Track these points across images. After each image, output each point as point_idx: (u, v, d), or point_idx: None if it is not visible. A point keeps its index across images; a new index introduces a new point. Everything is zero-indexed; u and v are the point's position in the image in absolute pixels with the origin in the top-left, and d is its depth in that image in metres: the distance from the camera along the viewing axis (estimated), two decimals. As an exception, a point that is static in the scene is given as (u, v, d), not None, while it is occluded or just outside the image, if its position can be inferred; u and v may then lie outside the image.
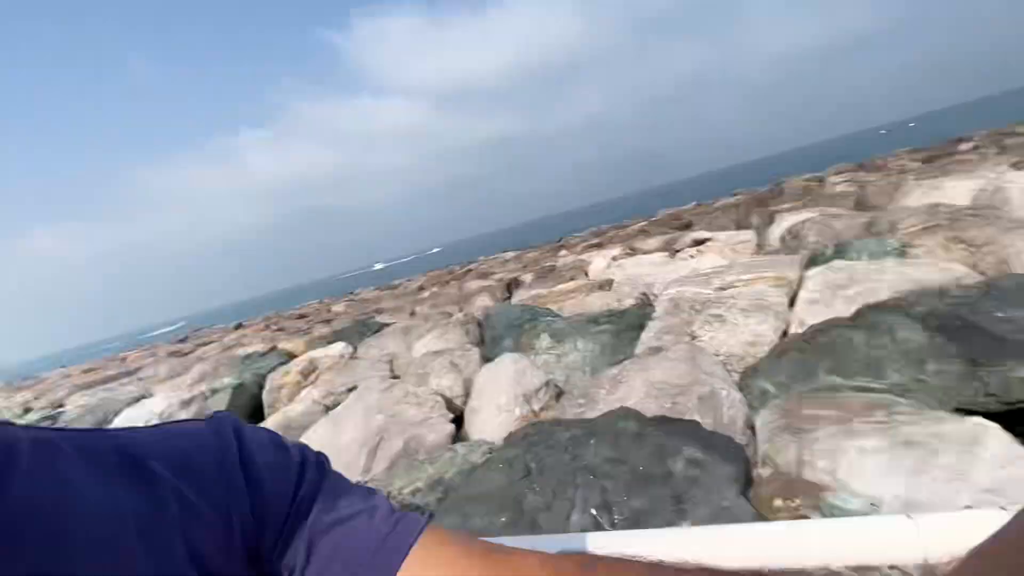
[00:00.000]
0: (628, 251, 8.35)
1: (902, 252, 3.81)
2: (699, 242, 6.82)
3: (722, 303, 3.62)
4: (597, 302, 5.15)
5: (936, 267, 3.34)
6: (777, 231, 6.66)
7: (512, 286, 7.85)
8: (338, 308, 15.43)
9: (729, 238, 6.56)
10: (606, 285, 5.90)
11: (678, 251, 6.83)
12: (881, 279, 3.17)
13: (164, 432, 0.39)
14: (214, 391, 5.60)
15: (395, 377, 4.56)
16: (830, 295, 3.36)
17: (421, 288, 13.92)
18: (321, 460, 0.43)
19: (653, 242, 9.00)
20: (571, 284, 6.51)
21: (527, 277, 8.53)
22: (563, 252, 12.54)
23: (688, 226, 11.32)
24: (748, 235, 6.53)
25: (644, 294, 5.08)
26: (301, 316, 16.22)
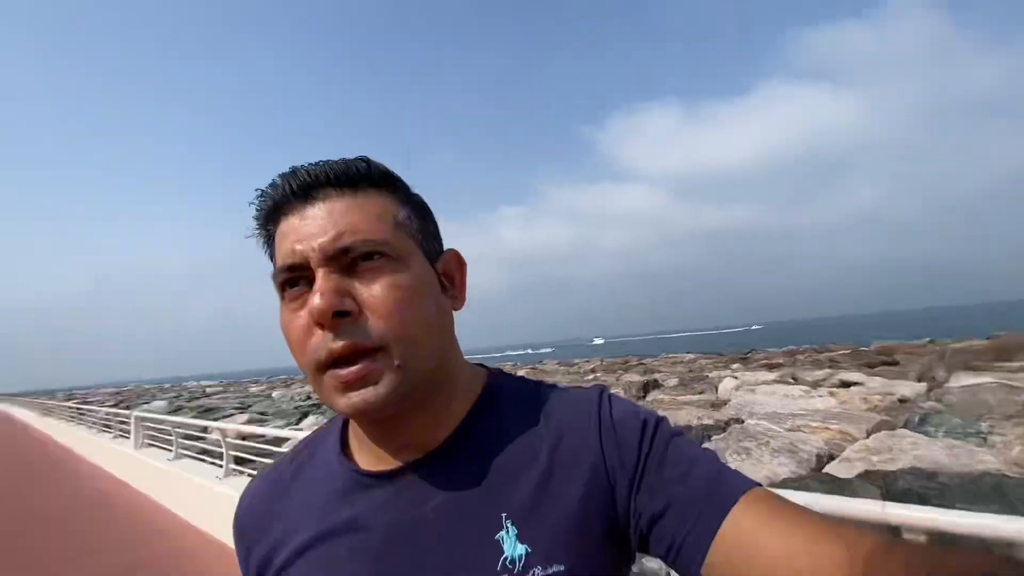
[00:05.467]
0: (785, 379, 8.24)
1: (983, 438, 3.66)
2: (846, 384, 6.52)
3: (762, 438, 4.08)
4: (694, 413, 5.74)
5: (992, 455, 3.26)
6: (954, 386, 6.02)
7: (650, 386, 8.50)
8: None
9: (879, 386, 6.16)
10: (719, 404, 6.32)
11: (820, 385, 6.66)
12: (905, 453, 3.33)
13: (564, 389, 0.53)
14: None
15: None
16: (864, 455, 3.58)
17: (593, 370, 15.10)
18: (659, 420, 0.48)
19: (819, 373, 8.60)
20: (695, 396, 7.01)
21: (672, 381, 9.04)
22: (736, 365, 12.33)
23: (888, 363, 10.17)
24: (902, 386, 6.05)
25: (737, 418, 5.47)
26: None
